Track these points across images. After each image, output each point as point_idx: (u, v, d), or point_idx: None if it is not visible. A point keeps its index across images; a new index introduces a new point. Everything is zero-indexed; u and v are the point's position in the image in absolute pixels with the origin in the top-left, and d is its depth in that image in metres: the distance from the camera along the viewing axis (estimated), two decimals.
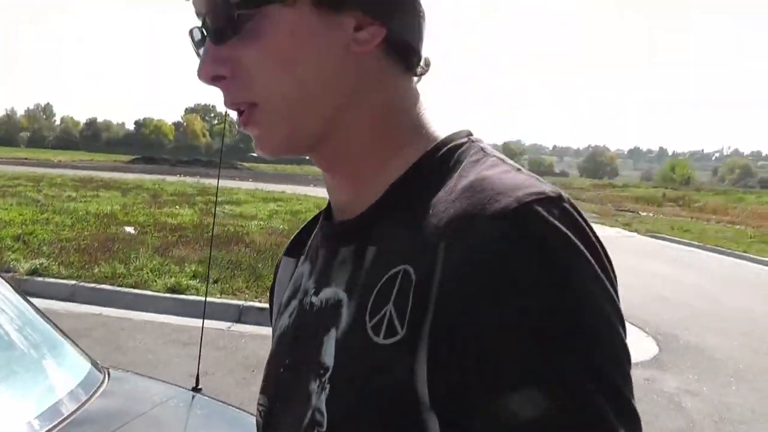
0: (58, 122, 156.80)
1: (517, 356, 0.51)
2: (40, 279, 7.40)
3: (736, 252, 16.79)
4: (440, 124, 0.71)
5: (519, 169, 0.60)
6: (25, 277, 7.27)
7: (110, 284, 7.37)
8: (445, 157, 0.65)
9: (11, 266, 7.62)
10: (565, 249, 0.53)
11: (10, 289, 2.21)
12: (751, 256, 16.26)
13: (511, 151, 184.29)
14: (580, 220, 0.56)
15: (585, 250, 0.54)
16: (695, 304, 9.45)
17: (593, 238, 0.56)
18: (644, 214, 30.46)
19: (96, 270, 7.70)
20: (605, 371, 0.51)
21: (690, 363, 6.60)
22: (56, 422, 1.57)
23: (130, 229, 11.07)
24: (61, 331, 2.10)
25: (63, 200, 15.02)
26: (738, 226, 25.24)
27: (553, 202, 0.55)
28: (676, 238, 19.33)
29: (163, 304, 6.97)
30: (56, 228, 10.41)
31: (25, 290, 6.90)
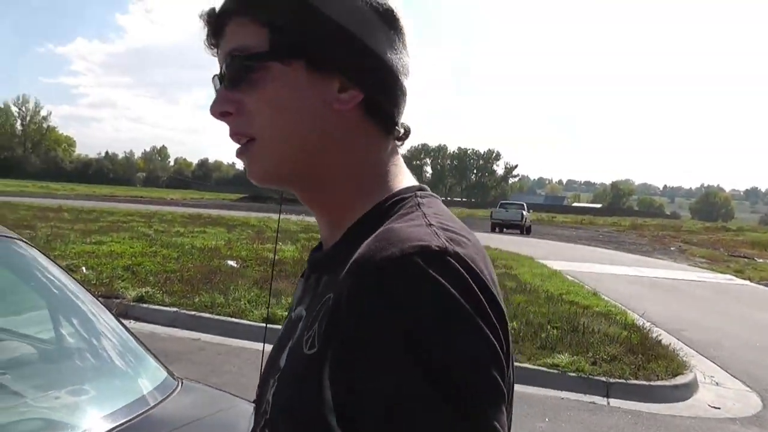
0: (172, 163, 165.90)
1: (373, 395, 0.59)
2: (145, 305, 7.90)
3: None
4: (405, 179, 0.83)
5: (429, 224, 0.69)
6: (132, 304, 7.86)
7: (209, 312, 7.75)
8: (387, 208, 0.77)
9: (120, 293, 8.18)
10: (432, 299, 0.60)
11: (105, 309, 2.49)
12: None
13: (619, 191, 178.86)
14: (464, 272, 0.62)
15: (460, 300, 0.60)
16: None
17: (475, 290, 0.62)
18: (760, 260, 28.76)
19: (197, 299, 8.11)
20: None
21: None
22: (134, 416, 1.90)
23: (232, 263, 11.55)
24: (146, 346, 2.40)
25: (171, 235, 15.88)
26: None
27: (435, 255, 0.62)
28: None
29: (259, 333, 7.23)
30: (163, 260, 11.02)
31: (131, 315, 7.49)
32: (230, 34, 0.79)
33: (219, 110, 0.79)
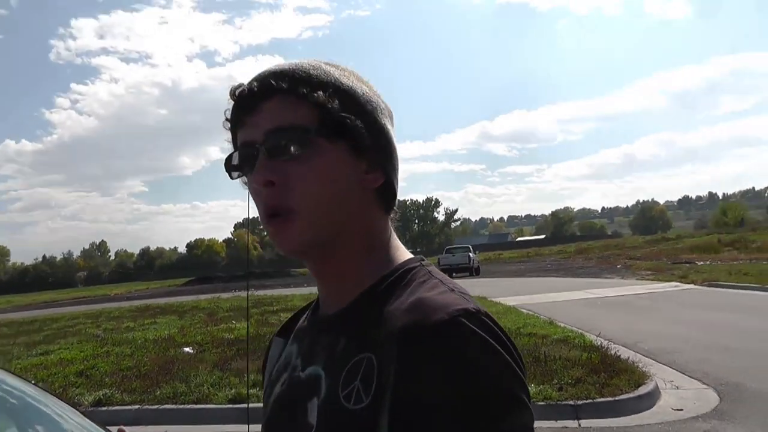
0: (113, 257, 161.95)
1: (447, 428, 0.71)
2: (104, 408, 7.69)
3: None
4: (404, 251, 0.96)
5: (452, 290, 0.83)
6: (90, 409, 7.58)
7: (173, 403, 7.61)
8: (400, 276, 0.89)
9: (76, 400, 7.91)
10: (482, 349, 0.74)
11: (72, 409, 2.50)
12: None
13: (560, 219, 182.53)
14: (493, 325, 0.77)
15: (499, 348, 0.75)
16: (758, 349, 9.15)
17: (503, 337, 0.77)
18: (701, 263, 29.75)
19: (158, 392, 7.96)
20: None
21: (754, 410, 6.39)
22: None
23: (188, 349, 11.36)
24: None
25: (122, 331, 15.48)
26: None
27: (474, 315, 0.77)
28: (735, 283, 18.85)
29: (227, 415, 7.14)
30: (117, 359, 10.76)
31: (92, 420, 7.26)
32: (272, 111, 0.87)
33: (266, 178, 0.85)
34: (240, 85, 0.91)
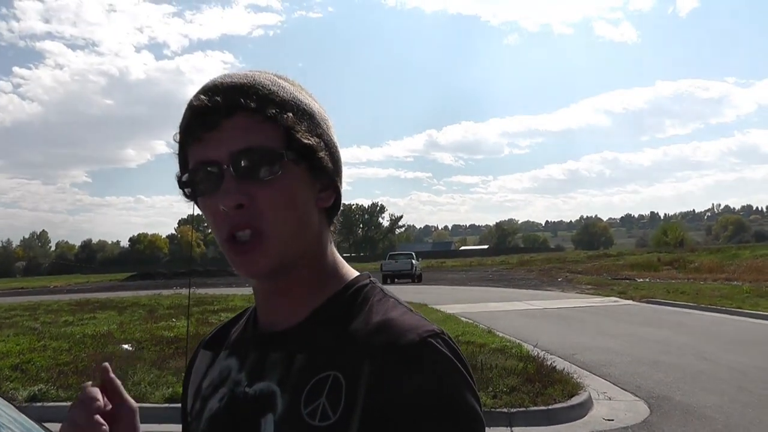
0: (53, 248, 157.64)
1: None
2: (39, 404, 7.54)
3: (731, 308, 16.88)
4: (348, 267, 0.98)
5: (411, 310, 0.88)
6: (24, 404, 7.42)
7: None
8: (352, 295, 0.91)
9: (10, 395, 7.73)
10: (449, 368, 0.80)
11: (5, 401, 2.48)
12: (745, 310, 16.36)
13: (504, 231, 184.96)
14: (454, 345, 0.83)
15: (460, 366, 0.81)
16: (689, 364, 9.55)
17: (461, 356, 0.83)
18: (640, 280, 30.60)
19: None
20: None
21: (680, 422, 6.69)
22: None
23: (127, 346, 11.20)
24: None
25: (60, 325, 15.14)
26: (734, 283, 25.32)
27: (439, 336, 0.82)
28: (671, 301, 19.49)
29: (163, 414, 7.07)
30: (54, 353, 10.54)
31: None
32: (237, 129, 0.84)
33: (236, 202, 0.83)
34: (198, 97, 0.86)
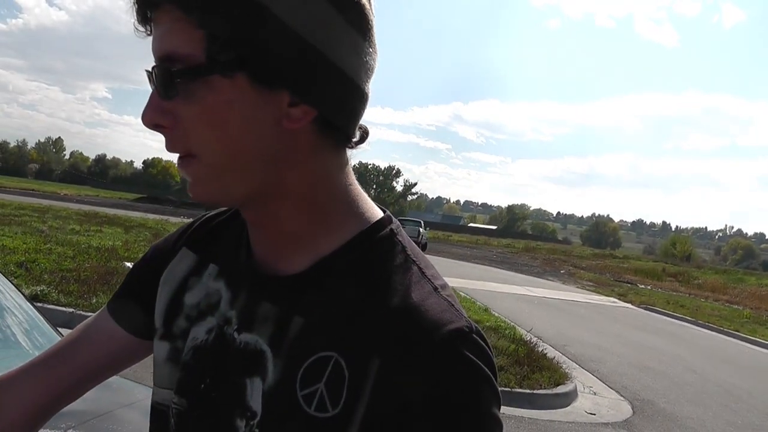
0: (67, 156, 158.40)
1: None
2: (39, 305, 7.65)
3: (728, 330, 16.81)
4: (366, 204, 0.78)
5: (436, 289, 0.71)
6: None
7: None
8: (370, 249, 0.74)
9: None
10: (475, 378, 0.66)
11: (13, 287, 2.52)
12: (742, 335, 16.29)
13: (515, 214, 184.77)
14: (485, 346, 0.69)
15: (489, 374, 0.67)
16: (677, 374, 9.60)
17: (491, 358, 0.69)
18: (642, 286, 30.52)
19: (94, 300, 7.95)
20: None
21: (662, 427, 6.76)
22: None
23: (129, 264, 11.31)
24: (56, 328, 2.44)
25: (67, 232, 15.29)
26: (735, 306, 25.12)
27: (468, 336, 0.67)
28: (670, 312, 19.42)
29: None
30: (58, 258, 10.67)
31: None
32: (162, 28, 0.67)
33: (151, 122, 0.68)
34: None
